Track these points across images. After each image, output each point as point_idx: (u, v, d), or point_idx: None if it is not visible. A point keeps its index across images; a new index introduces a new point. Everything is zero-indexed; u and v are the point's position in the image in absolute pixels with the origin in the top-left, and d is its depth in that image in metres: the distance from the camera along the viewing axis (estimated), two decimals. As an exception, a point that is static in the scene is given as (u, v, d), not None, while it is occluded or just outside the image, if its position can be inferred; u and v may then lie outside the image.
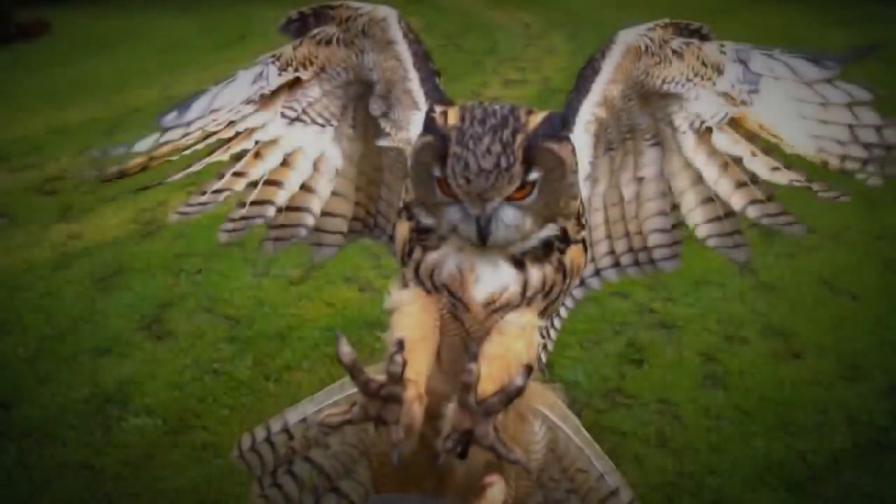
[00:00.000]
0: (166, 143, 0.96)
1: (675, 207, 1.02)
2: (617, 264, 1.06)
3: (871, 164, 0.91)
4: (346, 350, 0.71)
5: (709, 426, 2.15)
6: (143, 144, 0.95)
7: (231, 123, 0.98)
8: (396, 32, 0.96)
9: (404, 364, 0.70)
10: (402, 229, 0.84)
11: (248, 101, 1.00)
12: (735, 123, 0.93)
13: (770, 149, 0.92)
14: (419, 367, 0.75)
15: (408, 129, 0.95)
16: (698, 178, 0.98)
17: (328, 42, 1.01)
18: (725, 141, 0.93)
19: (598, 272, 1.07)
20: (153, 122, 1.00)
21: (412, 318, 0.80)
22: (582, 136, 0.93)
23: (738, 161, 0.94)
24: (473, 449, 0.71)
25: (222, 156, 0.97)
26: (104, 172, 0.94)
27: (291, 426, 0.97)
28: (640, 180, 1.01)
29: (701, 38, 0.99)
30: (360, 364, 0.72)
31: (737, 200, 0.96)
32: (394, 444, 0.70)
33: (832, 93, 0.92)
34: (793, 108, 0.93)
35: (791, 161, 0.91)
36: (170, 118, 1.00)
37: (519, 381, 0.71)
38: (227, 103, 1.01)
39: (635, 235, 1.04)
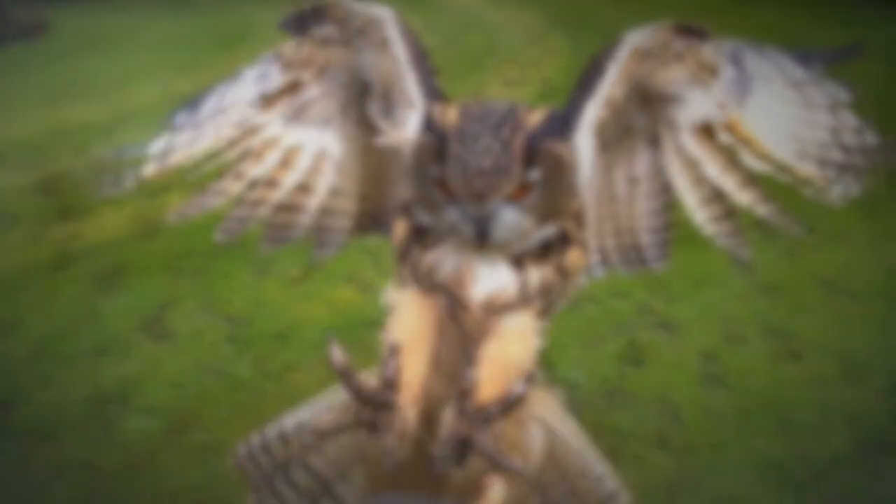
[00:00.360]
0: (178, 146, 0.97)
1: (668, 208, 1.02)
2: (605, 261, 1.05)
3: (849, 171, 0.91)
4: (337, 355, 0.71)
5: (709, 426, 2.15)
6: (157, 146, 0.96)
7: (236, 124, 0.99)
8: (393, 32, 0.96)
9: (398, 369, 0.70)
10: (400, 229, 0.84)
11: (252, 101, 1.01)
12: (730, 126, 0.93)
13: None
14: (414, 371, 0.75)
15: (406, 129, 0.95)
16: (700, 178, 0.99)
17: (327, 42, 1.01)
18: (724, 141, 0.93)
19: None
20: (166, 121, 1.00)
21: (409, 319, 0.81)
22: (583, 135, 0.93)
23: (737, 160, 0.94)
24: (472, 453, 0.71)
25: (228, 156, 0.98)
26: (120, 183, 0.94)
27: (288, 432, 0.97)
28: (633, 180, 1.01)
29: (700, 38, 0.99)
30: (352, 369, 0.72)
31: (740, 199, 0.96)
32: (386, 450, 0.70)
33: (816, 94, 0.92)
34: (780, 111, 0.93)
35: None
36: (182, 117, 1.00)
37: (519, 389, 0.70)
38: (232, 103, 1.01)
39: (625, 234, 1.04)
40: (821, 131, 0.90)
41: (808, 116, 0.91)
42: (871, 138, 0.90)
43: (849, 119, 0.91)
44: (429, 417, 0.73)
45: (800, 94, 0.92)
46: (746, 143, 0.91)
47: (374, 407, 0.70)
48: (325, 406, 0.95)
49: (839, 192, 0.89)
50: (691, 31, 0.97)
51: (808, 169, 0.88)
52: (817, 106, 0.91)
